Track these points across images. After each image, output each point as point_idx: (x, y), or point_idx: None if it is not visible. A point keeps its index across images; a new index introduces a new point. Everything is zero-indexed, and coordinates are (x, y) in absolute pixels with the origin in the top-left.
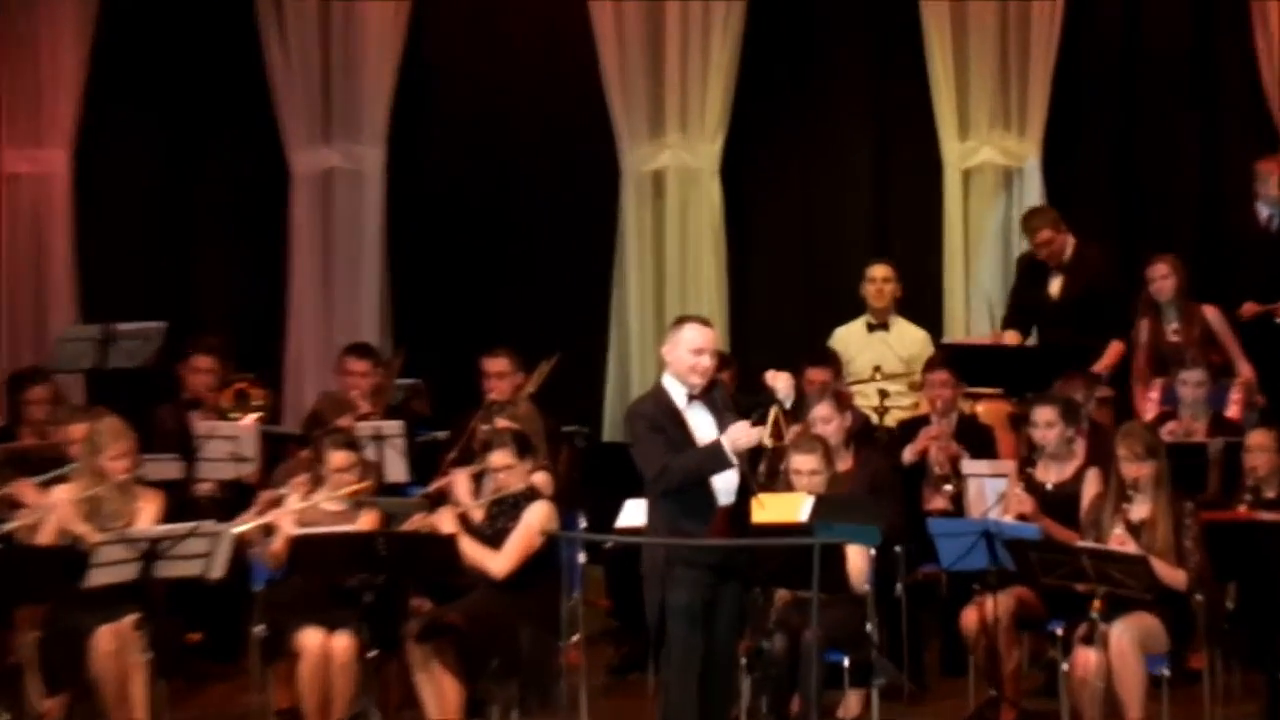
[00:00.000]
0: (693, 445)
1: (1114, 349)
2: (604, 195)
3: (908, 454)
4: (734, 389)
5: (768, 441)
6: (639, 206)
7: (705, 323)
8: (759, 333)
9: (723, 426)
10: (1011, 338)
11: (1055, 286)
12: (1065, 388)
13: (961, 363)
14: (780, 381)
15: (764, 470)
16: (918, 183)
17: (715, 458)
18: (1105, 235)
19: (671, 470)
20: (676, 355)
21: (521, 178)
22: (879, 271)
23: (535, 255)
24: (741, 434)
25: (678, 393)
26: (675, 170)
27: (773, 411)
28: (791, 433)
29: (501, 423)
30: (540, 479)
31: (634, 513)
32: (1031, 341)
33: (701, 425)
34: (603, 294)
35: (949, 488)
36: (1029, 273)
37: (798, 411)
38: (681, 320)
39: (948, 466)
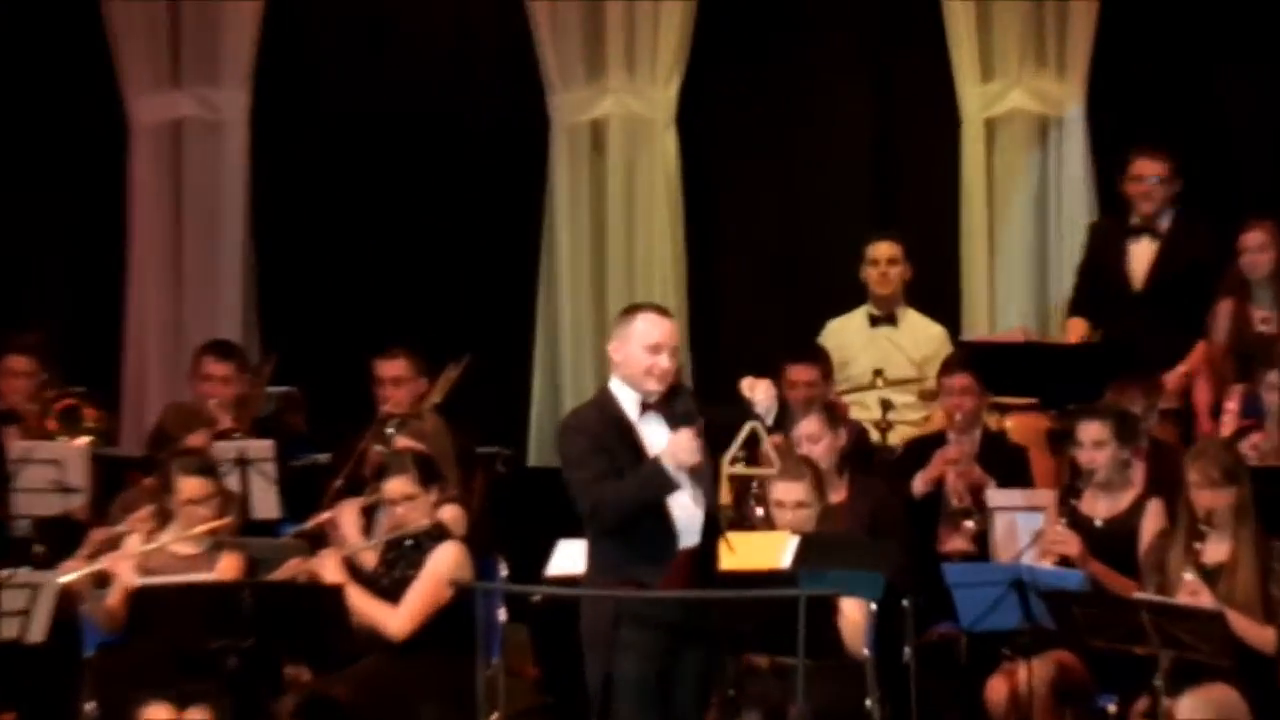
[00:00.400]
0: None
1: (1201, 351)
2: (528, 151)
3: (919, 482)
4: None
5: (738, 468)
6: (573, 165)
7: (663, 312)
8: (727, 328)
9: None
10: (1077, 327)
11: (1142, 261)
12: (1119, 396)
13: (987, 365)
14: (759, 391)
15: (754, 508)
16: (929, 137)
17: (654, 480)
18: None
19: (606, 502)
20: (627, 354)
21: (423, 130)
22: (883, 250)
23: (441, 228)
24: (684, 447)
25: (628, 402)
26: (619, 120)
27: (747, 429)
28: (769, 454)
29: (400, 442)
30: (449, 514)
31: (569, 557)
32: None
33: (658, 442)
34: (527, 277)
35: (970, 524)
36: (1105, 243)
37: (779, 426)
38: (633, 310)
39: (969, 498)
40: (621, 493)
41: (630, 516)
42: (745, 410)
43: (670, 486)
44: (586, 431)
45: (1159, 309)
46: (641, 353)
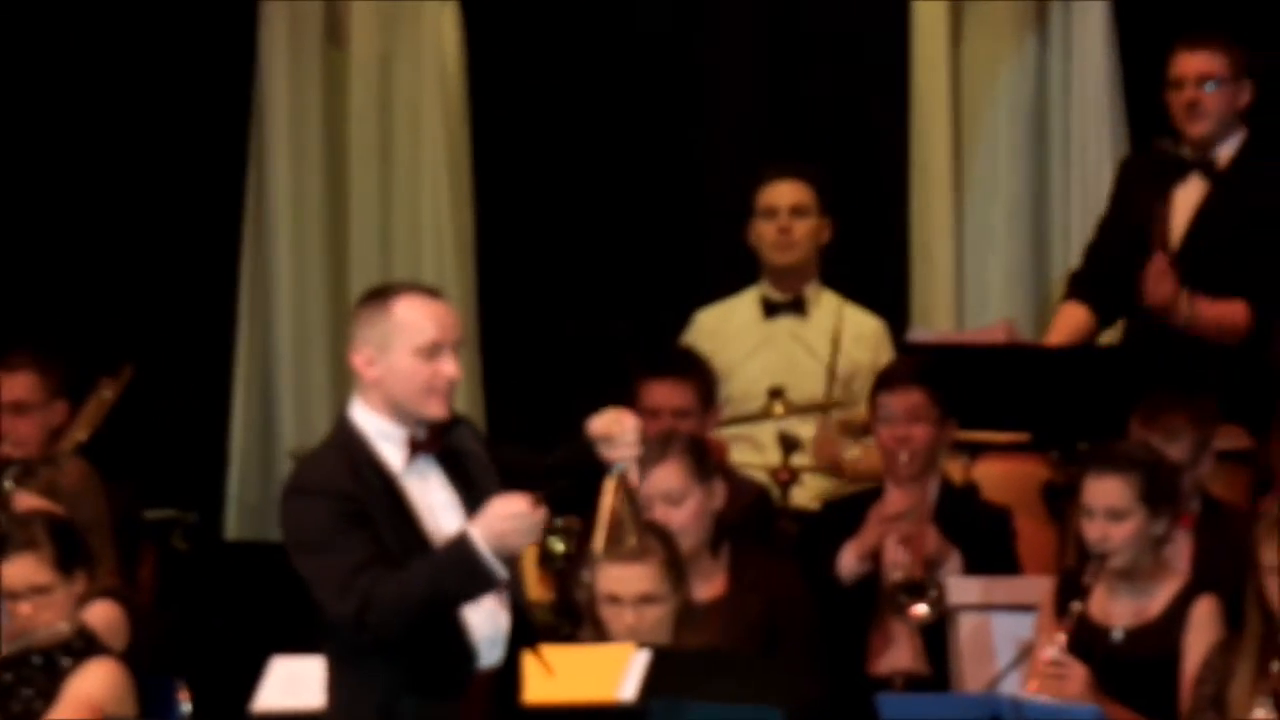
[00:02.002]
0: (425, 545)
1: (1232, 306)
2: (226, 48)
3: (849, 558)
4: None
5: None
6: (294, 67)
7: (432, 293)
8: (538, 321)
9: (475, 502)
10: (1070, 317)
11: (1185, 211)
12: (1152, 430)
13: (950, 379)
14: (622, 426)
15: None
16: (859, 18)
17: (464, 569)
18: None
19: (383, 602)
20: (390, 365)
21: (73, 29)
22: (783, 194)
23: (86, 169)
24: (510, 519)
25: (387, 440)
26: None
27: (611, 486)
28: (604, 523)
29: (23, 501)
30: (101, 614)
31: (288, 683)
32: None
33: (438, 505)
34: (225, 244)
35: (922, 609)
36: (1141, 190)
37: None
38: (385, 294)
39: (921, 572)
40: (409, 588)
41: (419, 625)
42: (592, 459)
43: (491, 580)
44: (331, 488)
45: (1204, 282)
46: (413, 361)
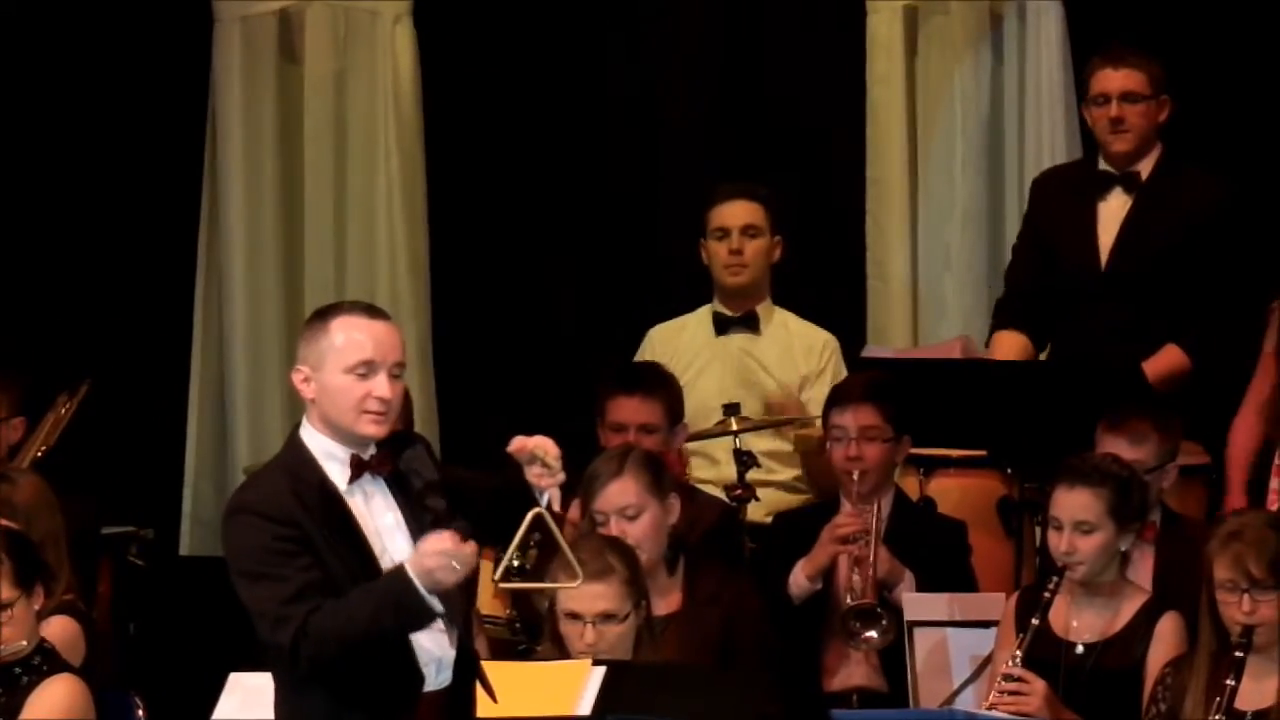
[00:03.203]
0: (371, 567)
1: (1168, 356)
2: (182, 61)
3: (800, 575)
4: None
5: (513, 583)
6: (248, 81)
7: (373, 312)
8: (493, 337)
9: (422, 529)
10: (1008, 345)
11: (1111, 225)
12: (1118, 433)
13: (905, 395)
14: (546, 452)
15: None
16: (813, 28)
17: (400, 603)
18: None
19: (320, 633)
20: (324, 383)
21: (27, 47)
22: (735, 213)
23: (48, 188)
24: (437, 555)
25: (332, 459)
26: (323, 9)
27: (528, 521)
28: (567, 556)
29: None
30: (59, 630)
31: (245, 698)
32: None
33: (384, 527)
34: (180, 260)
35: (873, 635)
36: (1055, 208)
37: (569, 491)
38: (325, 314)
39: (873, 595)
40: (345, 622)
41: (357, 655)
42: (520, 489)
43: (427, 616)
44: (271, 512)
45: (1132, 295)
46: (344, 379)
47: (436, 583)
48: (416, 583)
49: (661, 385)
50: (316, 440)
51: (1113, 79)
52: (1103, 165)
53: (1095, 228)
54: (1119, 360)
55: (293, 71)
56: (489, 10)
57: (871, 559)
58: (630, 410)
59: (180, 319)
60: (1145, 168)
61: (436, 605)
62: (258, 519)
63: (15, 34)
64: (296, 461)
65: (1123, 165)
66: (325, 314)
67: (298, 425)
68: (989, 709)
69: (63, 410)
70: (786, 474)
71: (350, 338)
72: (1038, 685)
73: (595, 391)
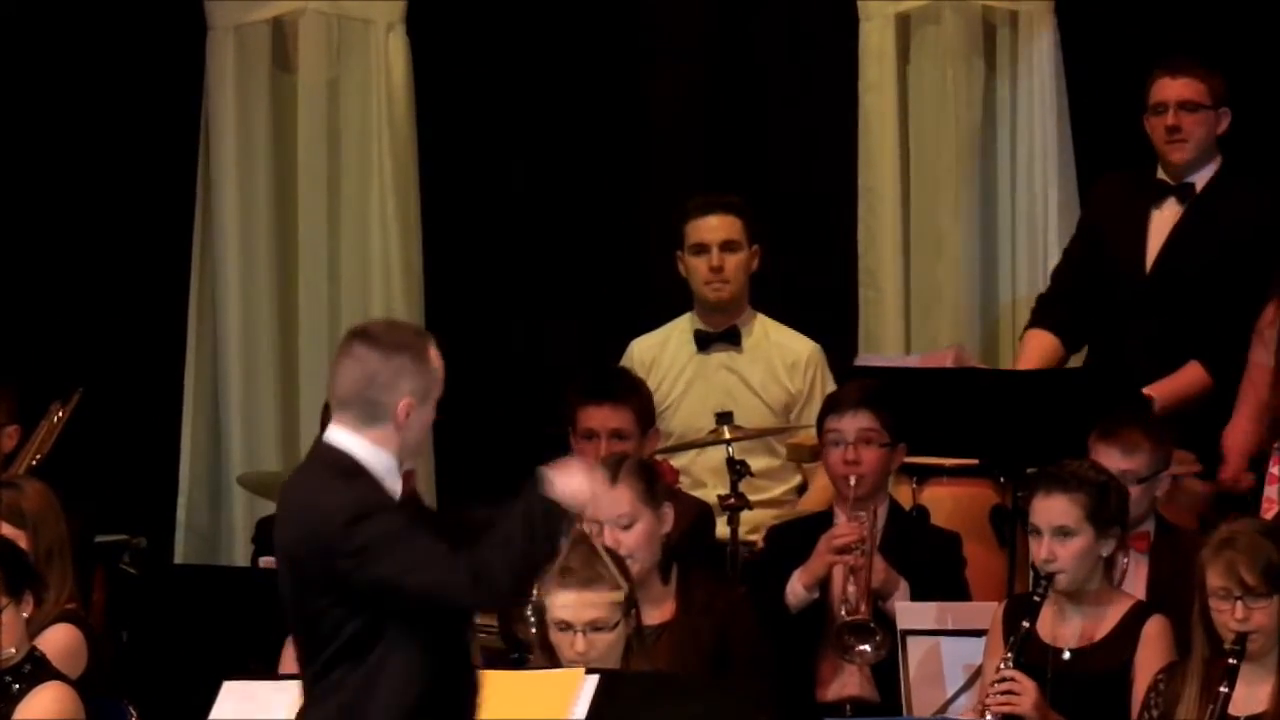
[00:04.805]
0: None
1: (1189, 373)
2: (176, 70)
3: (798, 585)
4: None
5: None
6: (242, 90)
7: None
8: (484, 350)
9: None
10: (1034, 346)
11: (1158, 236)
12: (1110, 442)
13: (899, 403)
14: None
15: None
16: (804, 41)
17: (544, 514)
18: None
19: (492, 565)
20: (421, 416)
21: (21, 54)
22: (714, 228)
23: (41, 196)
24: (577, 475)
25: (392, 476)
26: (315, 18)
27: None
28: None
29: None
30: (58, 639)
31: (239, 705)
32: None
33: None
34: (174, 269)
35: (867, 649)
36: (1117, 211)
37: None
38: (416, 341)
39: (866, 608)
40: (507, 546)
41: (529, 581)
42: (552, 505)
43: (569, 523)
44: (388, 503)
45: (1174, 305)
46: (433, 412)
47: (574, 494)
48: (547, 492)
49: (632, 391)
50: (381, 459)
51: (1170, 87)
52: (1160, 174)
53: (1145, 235)
54: (1112, 372)
55: (286, 80)
56: (482, 19)
57: (867, 569)
58: (601, 417)
59: (174, 327)
60: (1201, 179)
61: (570, 510)
62: (383, 510)
63: (8, 40)
64: (360, 473)
65: (1179, 175)
66: (415, 343)
67: (335, 439)
68: (981, 710)
69: (56, 419)
70: (777, 490)
71: (441, 370)
72: (1029, 686)
73: (565, 400)
